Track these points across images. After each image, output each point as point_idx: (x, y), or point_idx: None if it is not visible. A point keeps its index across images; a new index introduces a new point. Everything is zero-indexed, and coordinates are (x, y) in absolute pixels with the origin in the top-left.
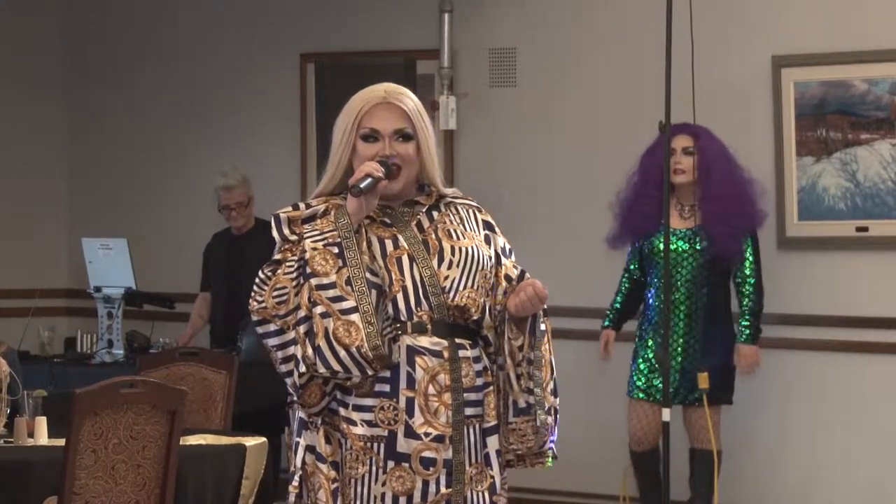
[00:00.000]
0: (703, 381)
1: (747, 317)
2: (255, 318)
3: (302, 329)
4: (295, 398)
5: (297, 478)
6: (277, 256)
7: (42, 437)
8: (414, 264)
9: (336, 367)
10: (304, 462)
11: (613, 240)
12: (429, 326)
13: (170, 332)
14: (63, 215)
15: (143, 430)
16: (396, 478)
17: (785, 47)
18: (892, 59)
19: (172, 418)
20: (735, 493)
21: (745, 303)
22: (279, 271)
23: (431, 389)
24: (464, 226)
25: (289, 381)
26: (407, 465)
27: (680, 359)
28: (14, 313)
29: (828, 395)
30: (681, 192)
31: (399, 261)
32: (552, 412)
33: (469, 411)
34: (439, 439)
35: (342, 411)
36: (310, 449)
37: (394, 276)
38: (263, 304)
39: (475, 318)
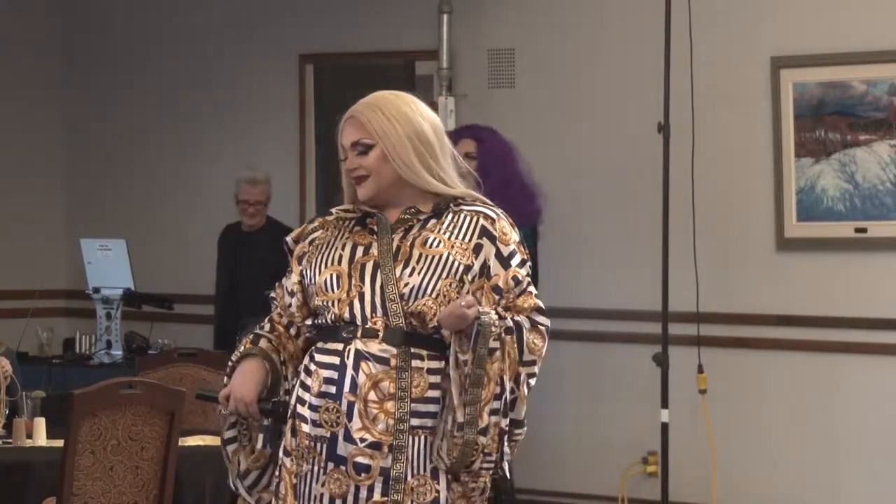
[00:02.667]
0: (703, 381)
1: None
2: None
3: None
4: None
5: (279, 470)
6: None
7: (41, 438)
8: (378, 271)
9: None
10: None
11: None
12: (381, 333)
13: (168, 333)
14: (62, 216)
15: (141, 431)
16: (334, 479)
17: (783, 48)
18: (890, 60)
19: (171, 419)
20: (733, 494)
21: None
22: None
23: (373, 395)
24: (450, 233)
25: None
26: (344, 468)
27: None
28: (13, 314)
29: (826, 396)
30: None
31: (363, 267)
32: (487, 432)
33: (416, 422)
34: (375, 446)
35: (299, 408)
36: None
37: (353, 282)
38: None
39: (432, 325)
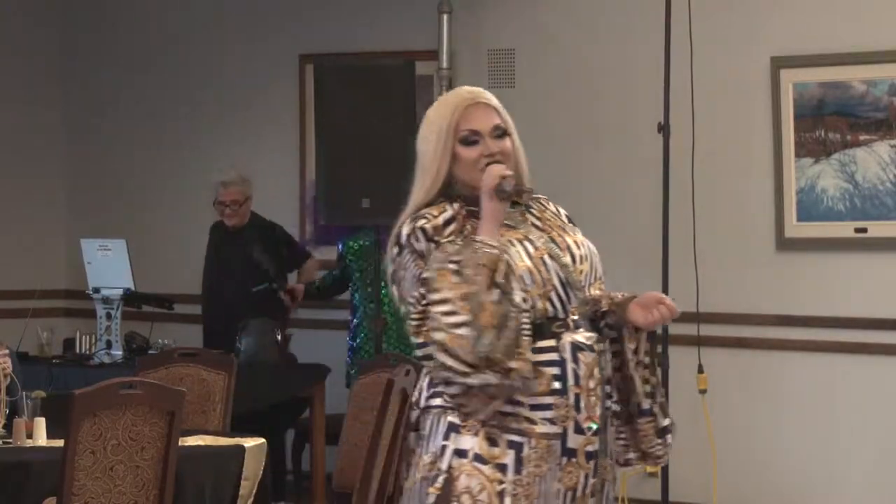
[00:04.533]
0: (703, 381)
1: None
2: (417, 339)
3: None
4: (460, 408)
5: (441, 479)
6: (426, 275)
7: (41, 438)
8: (553, 262)
9: (458, 378)
10: (450, 465)
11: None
12: (581, 322)
13: (169, 333)
14: (62, 216)
15: (141, 430)
16: (567, 473)
17: (784, 48)
18: (890, 60)
19: (171, 419)
20: (733, 494)
21: None
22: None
23: (591, 384)
24: (561, 219)
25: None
26: (574, 459)
27: None
28: (13, 314)
29: (827, 395)
30: None
31: (543, 261)
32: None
33: (608, 403)
34: (597, 432)
35: (522, 411)
36: (459, 452)
37: (543, 276)
38: (426, 328)
39: (604, 309)
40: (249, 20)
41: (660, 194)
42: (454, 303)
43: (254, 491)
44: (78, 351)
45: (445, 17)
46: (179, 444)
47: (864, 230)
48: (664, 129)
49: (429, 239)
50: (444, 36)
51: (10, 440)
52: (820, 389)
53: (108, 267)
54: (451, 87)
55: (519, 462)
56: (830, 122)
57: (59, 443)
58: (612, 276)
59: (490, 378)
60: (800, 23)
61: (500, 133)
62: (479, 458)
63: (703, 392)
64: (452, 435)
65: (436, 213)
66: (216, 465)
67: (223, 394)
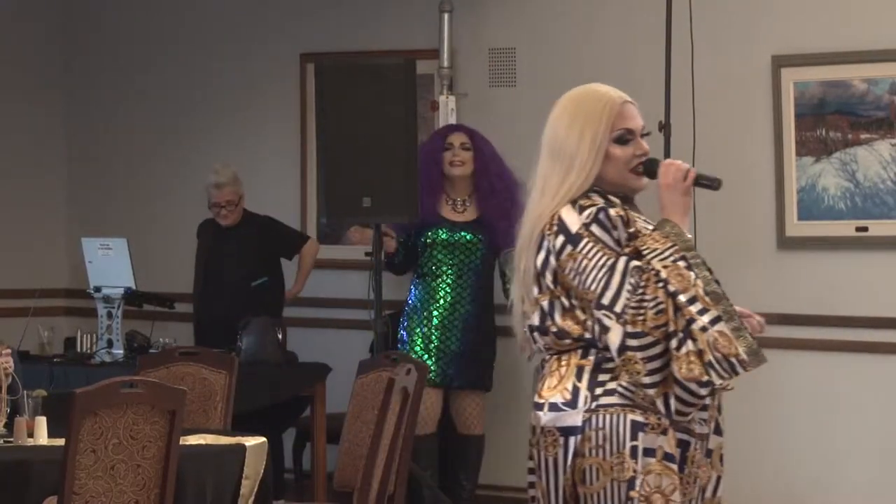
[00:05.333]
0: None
1: None
2: (631, 329)
3: (682, 349)
4: (683, 409)
5: (638, 482)
6: (637, 263)
7: (42, 437)
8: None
9: (726, 375)
10: (643, 466)
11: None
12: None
13: (170, 332)
14: (62, 215)
15: (142, 430)
16: (704, 472)
17: (784, 47)
18: (891, 58)
19: (172, 418)
20: (735, 493)
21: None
22: (649, 282)
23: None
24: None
25: (651, 391)
26: (709, 460)
27: (459, 344)
28: (14, 313)
29: (828, 394)
30: (455, 187)
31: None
32: None
33: None
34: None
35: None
36: (648, 452)
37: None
38: (643, 317)
39: None
40: (250, 19)
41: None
42: (702, 300)
43: (255, 490)
44: (79, 350)
45: (446, 15)
46: (180, 442)
47: (865, 229)
48: (665, 127)
49: (626, 226)
50: (444, 35)
51: (12, 439)
52: (821, 388)
53: (109, 266)
54: (452, 86)
55: (683, 461)
56: (831, 120)
57: (60, 442)
58: None
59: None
60: (800, 21)
61: (645, 133)
62: (668, 456)
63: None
64: (640, 434)
65: (601, 202)
66: (217, 465)
67: (224, 393)
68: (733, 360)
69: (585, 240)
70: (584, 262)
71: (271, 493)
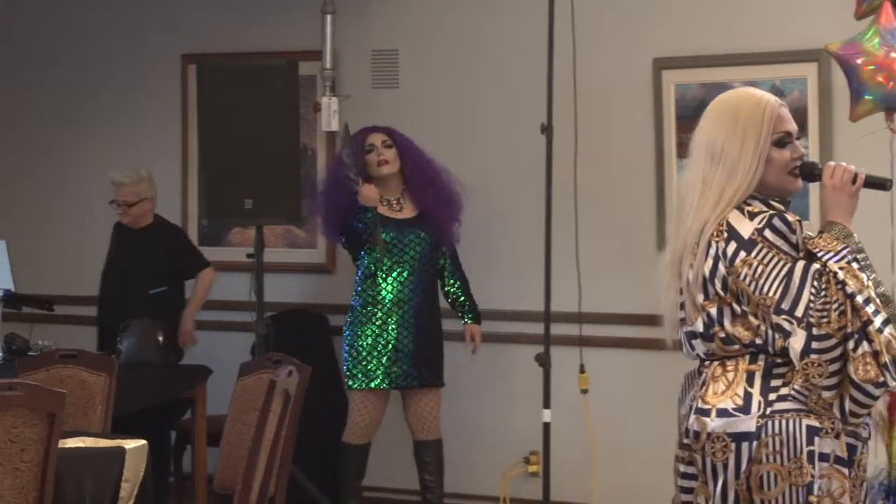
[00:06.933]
0: (584, 381)
1: (470, 297)
2: (816, 331)
3: (859, 350)
4: (858, 411)
5: (817, 487)
6: (817, 266)
7: None
8: None
9: None
10: (819, 470)
11: (327, 230)
12: None
13: (49, 334)
14: None
15: (21, 433)
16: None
17: (666, 50)
18: (771, 61)
19: (51, 421)
20: (613, 493)
21: (459, 285)
22: (829, 284)
23: None
24: None
25: (828, 394)
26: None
27: (412, 345)
28: None
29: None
30: (387, 186)
31: None
32: None
33: None
34: None
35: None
36: (822, 456)
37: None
38: (827, 320)
39: None
40: (134, 20)
41: (543, 195)
42: (874, 301)
43: (135, 493)
44: None
45: (329, 17)
46: (60, 445)
47: None
48: (547, 130)
49: (801, 230)
50: (327, 36)
51: None
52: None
53: None
54: (334, 87)
55: (850, 464)
56: None
57: None
58: (495, 275)
59: None
60: (682, 24)
61: (799, 137)
62: (840, 460)
63: (584, 392)
64: (816, 439)
65: (767, 209)
66: (96, 467)
67: (104, 395)
68: None
69: (759, 245)
70: (760, 267)
71: (151, 495)
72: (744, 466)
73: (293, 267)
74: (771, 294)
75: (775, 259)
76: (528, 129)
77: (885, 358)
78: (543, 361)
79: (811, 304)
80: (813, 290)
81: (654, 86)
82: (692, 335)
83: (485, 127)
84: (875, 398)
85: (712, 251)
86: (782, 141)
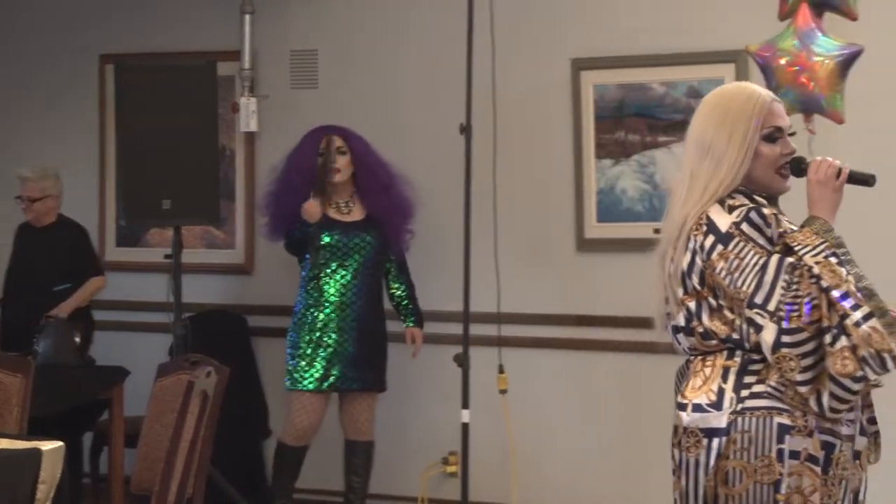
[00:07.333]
0: (503, 381)
1: (414, 301)
2: (786, 325)
3: (836, 345)
4: (837, 406)
5: (784, 485)
6: (791, 260)
7: None
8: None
9: (880, 370)
10: (788, 468)
11: (269, 231)
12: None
13: None
14: None
15: None
16: (853, 475)
17: (584, 50)
18: (689, 62)
19: None
20: (533, 493)
21: (404, 289)
22: (802, 277)
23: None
24: None
25: (804, 388)
26: (858, 462)
27: (354, 348)
28: None
29: (626, 395)
30: (337, 190)
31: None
32: None
33: None
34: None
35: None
36: (793, 454)
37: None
38: (798, 314)
39: None
40: (51, 20)
41: (462, 195)
42: (854, 295)
43: (51, 494)
44: None
45: (248, 17)
46: None
47: None
48: (466, 130)
49: (778, 224)
50: (246, 36)
51: None
52: (620, 389)
53: None
54: (253, 87)
55: (828, 463)
56: (630, 123)
57: None
58: (415, 276)
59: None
60: (600, 25)
61: (791, 133)
62: (812, 458)
63: (503, 392)
64: (787, 437)
65: (748, 202)
66: (12, 469)
67: (20, 396)
68: (886, 355)
69: (737, 239)
70: (736, 261)
71: (67, 497)
72: (712, 462)
73: (211, 267)
74: (745, 288)
75: (751, 253)
76: (447, 129)
77: (864, 352)
78: (462, 362)
79: (782, 298)
80: (783, 284)
81: (573, 86)
82: (676, 329)
83: (404, 127)
84: (855, 393)
85: (691, 245)
86: (772, 136)
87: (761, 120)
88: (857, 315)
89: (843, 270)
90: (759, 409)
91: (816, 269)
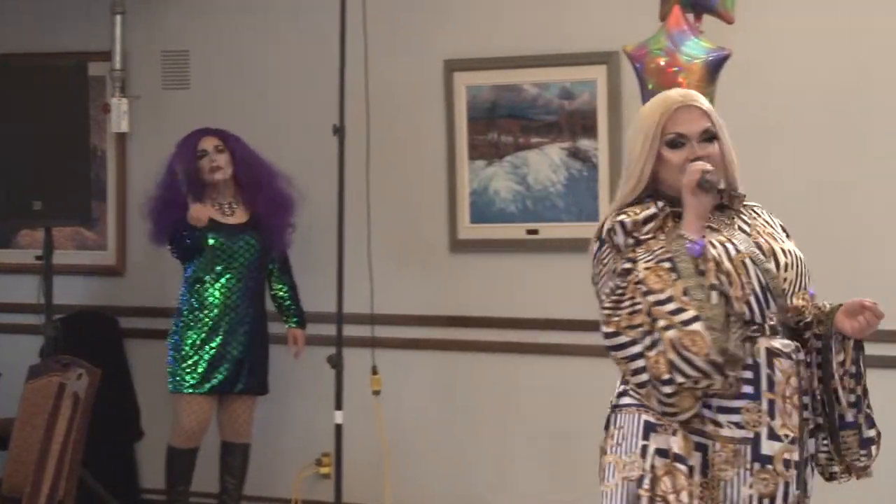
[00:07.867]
0: (377, 383)
1: (297, 301)
2: (605, 329)
3: (654, 349)
4: (664, 409)
5: (647, 480)
6: (627, 265)
7: None
8: (755, 267)
9: (692, 374)
10: (653, 465)
11: (154, 237)
12: (779, 328)
13: None
14: None
15: None
16: (761, 479)
17: (457, 51)
18: (561, 63)
19: None
20: (406, 496)
21: (287, 290)
22: (628, 281)
23: (787, 391)
24: (773, 227)
25: (642, 390)
26: (770, 466)
27: (237, 351)
28: None
29: (500, 396)
30: (219, 190)
31: (744, 263)
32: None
33: (806, 414)
34: (794, 441)
35: (706, 413)
36: (661, 452)
37: (743, 279)
38: (617, 318)
39: (807, 320)
40: None
41: (335, 196)
42: (678, 300)
43: None
44: None
45: (119, 17)
46: None
47: (536, 231)
48: (339, 131)
49: (627, 233)
50: (117, 36)
51: None
52: (494, 390)
53: None
54: (124, 88)
55: (705, 464)
56: (503, 124)
57: None
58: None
59: (717, 379)
60: (473, 26)
61: (709, 137)
62: (679, 458)
63: (376, 393)
64: (651, 434)
65: (638, 210)
66: None
67: None
68: (699, 360)
69: (605, 245)
70: (601, 266)
71: None
72: (600, 458)
73: (82, 269)
74: (602, 293)
75: (610, 259)
76: (320, 130)
77: (672, 356)
78: (335, 363)
79: (603, 302)
80: (607, 290)
81: (446, 87)
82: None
83: (277, 128)
84: (669, 395)
85: (590, 251)
86: (675, 142)
87: (662, 125)
88: (676, 319)
89: (672, 275)
90: (629, 405)
91: (641, 275)
